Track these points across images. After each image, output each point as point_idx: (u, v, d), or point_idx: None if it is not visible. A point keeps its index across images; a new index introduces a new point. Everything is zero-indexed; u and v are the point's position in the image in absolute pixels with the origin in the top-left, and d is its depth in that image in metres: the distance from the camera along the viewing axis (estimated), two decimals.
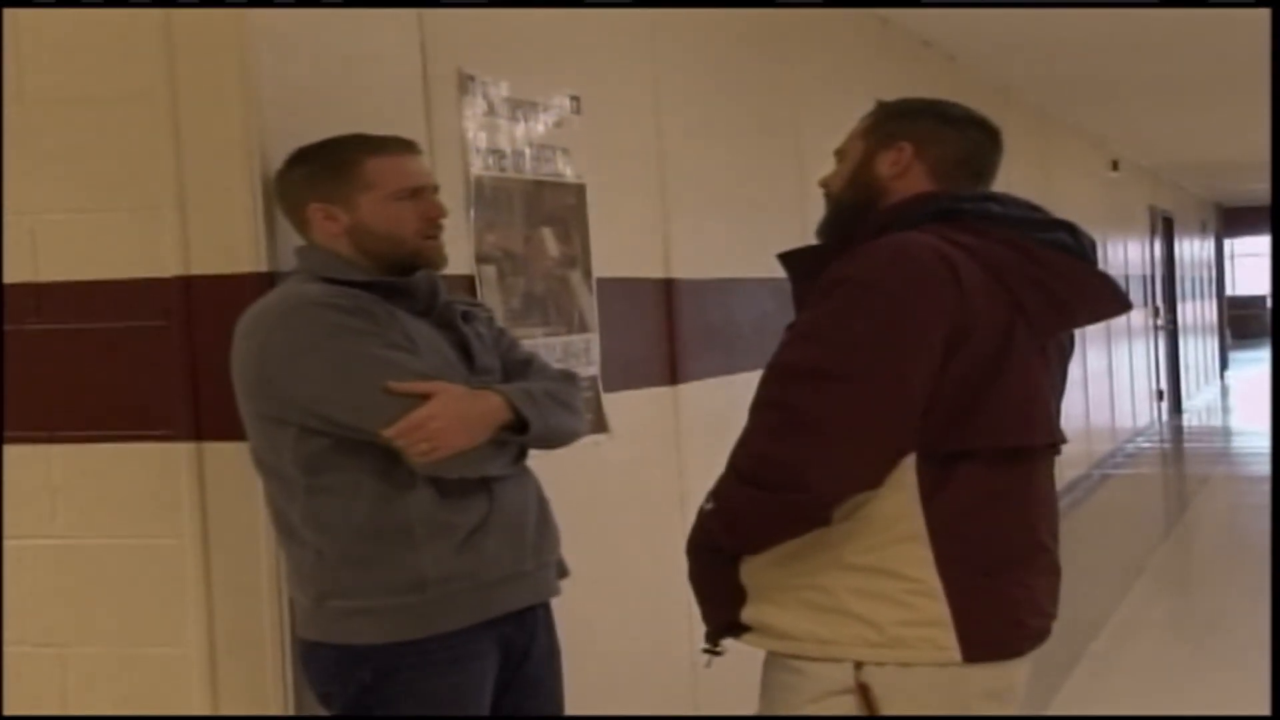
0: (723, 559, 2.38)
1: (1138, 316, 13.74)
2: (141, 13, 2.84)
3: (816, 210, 2.54)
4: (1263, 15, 7.05)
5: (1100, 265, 2.46)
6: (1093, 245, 2.43)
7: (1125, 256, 13.24)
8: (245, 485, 2.74)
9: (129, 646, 2.92)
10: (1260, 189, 21.14)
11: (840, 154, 2.53)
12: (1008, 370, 2.28)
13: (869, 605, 2.28)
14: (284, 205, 2.72)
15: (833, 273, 2.27)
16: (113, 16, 2.86)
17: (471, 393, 2.55)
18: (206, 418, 2.83)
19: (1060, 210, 2.50)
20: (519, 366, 2.76)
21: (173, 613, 2.88)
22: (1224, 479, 11.94)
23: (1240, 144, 13.98)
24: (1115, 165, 12.98)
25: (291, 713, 2.81)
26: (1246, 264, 29.65)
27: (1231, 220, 24.70)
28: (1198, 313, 19.11)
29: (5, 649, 2.96)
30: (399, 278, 2.63)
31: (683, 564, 2.46)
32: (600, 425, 3.89)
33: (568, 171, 3.83)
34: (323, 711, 2.67)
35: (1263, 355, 25.91)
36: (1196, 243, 19.62)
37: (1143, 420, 14.18)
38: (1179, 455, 14.35)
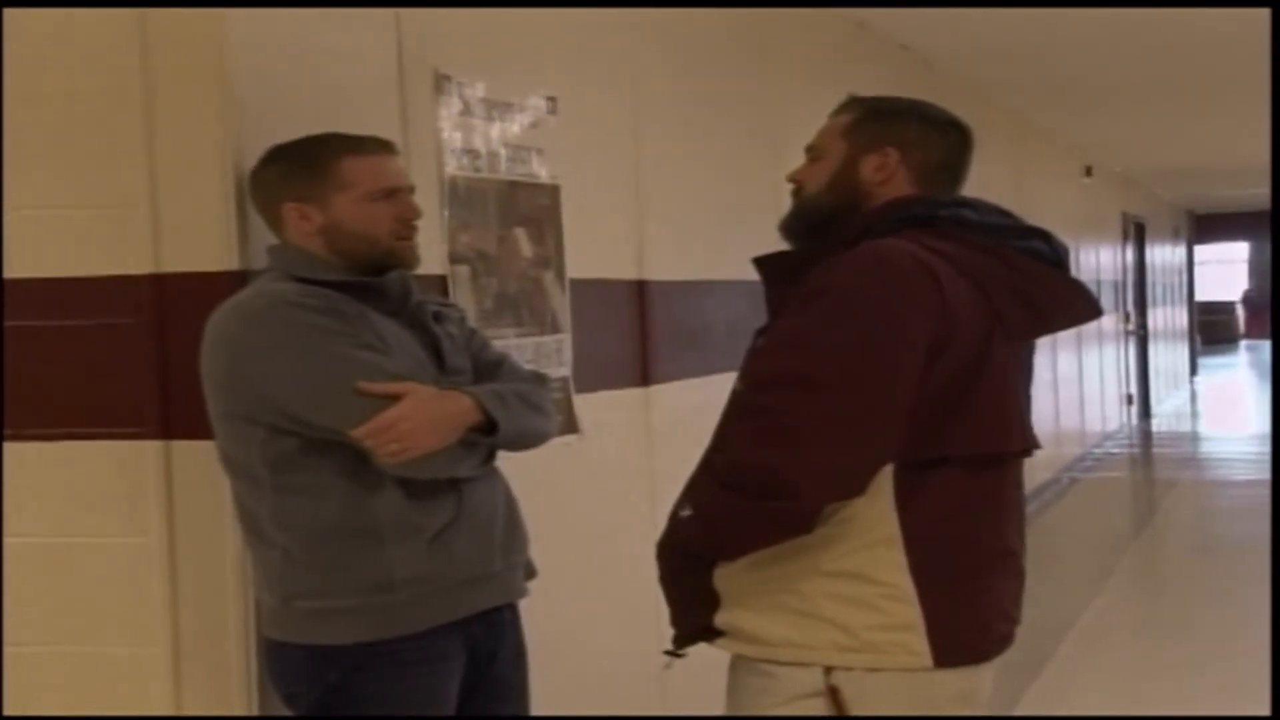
0: (696, 563, 2.38)
1: (1108, 321, 13.80)
2: (117, 10, 2.82)
3: None
4: (1236, 23, 7.10)
5: (1073, 270, 2.47)
6: (1066, 252, 2.44)
7: (1097, 261, 13.30)
8: (213, 484, 2.73)
9: (93, 645, 2.90)
10: (1231, 195, 21.29)
11: (814, 151, 2.50)
12: (985, 377, 2.29)
13: (842, 609, 2.28)
14: (258, 203, 2.71)
15: (815, 280, 2.27)
16: (88, 13, 2.85)
17: (442, 394, 2.55)
18: (175, 416, 2.81)
19: (1034, 215, 2.51)
20: (490, 368, 2.76)
21: (138, 612, 2.86)
22: (1192, 483, 12.00)
23: (1212, 151, 14.07)
24: (1089, 171, 13.04)
25: (256, 713, 2.80)
26: (1217, 270, 29.84)
27: (1202, 227, 24.84)
28: (1168, 318, 19.21)
29: None
30: (371, 278, 2.63)
31: (653, 566, 2.46)
32: (571, 426, 3.89)
33: (543, 172, 3.82)
34: (288, 712, 2.66)
35: (1232, 361, 26.11)
36: (1168, 249, 19.71)
37: (1112, 425, 14.24)
38: (1148, 460, 14.42)
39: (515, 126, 3.71)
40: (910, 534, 2.27)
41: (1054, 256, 2.40)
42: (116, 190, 2.84)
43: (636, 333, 4.42)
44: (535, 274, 3.78)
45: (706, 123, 4.97)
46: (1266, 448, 13.75)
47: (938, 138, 2.47)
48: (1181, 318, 21.10)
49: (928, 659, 2.27)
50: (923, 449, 2.26)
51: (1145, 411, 16.40)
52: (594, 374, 4.05)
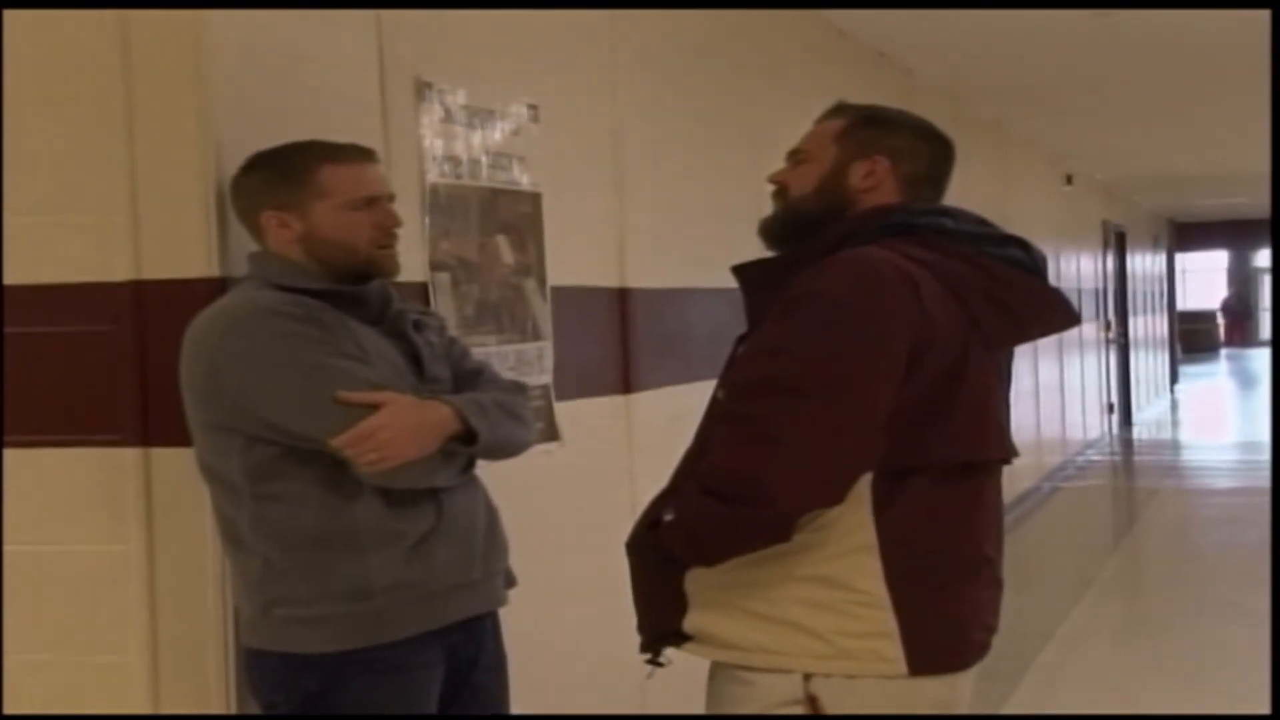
0: (668, 565, 2.37)
1: (1089, 330, 13.84)
2: (96, 15, 2.82)
3: None
4: (1217, 31, 7.13)
5: (1054, 279, 2.47)
6: (1044, 260, 2.45)
7: (1078, 270, 13.34)
8: (192, 492, 2.72)
9: (71, 654, 2.89)
10: (1211, 204, 21.38)
11: (800, 154, 2.49)
12: (964, 385, 2.30)
13: (815, 616, 2.28)
14: (238, 211, 2.70)
15: (797, 288, 2.27)
16: (67, 19, 2.84)
17: (421, 403, 2.54)
18: (155, 423, 2.80)
19: (1016, 223, 2.52)
20: (469, 376, 2.75)
21: (117, 620, 2.85)
22: (1173, 492, 12.03)
23: (1193, 159, 14.12)
24: (1070, 180, 13.09)
25: None
26: (1197, 279, 29.96)
27: (1183, 235, 24.92)
28: (1149, 327, 19.26)
29: None
30: (351, 286, 2.62)
31: None
32: (552, 434, 3.88)
33: (524, 180, 3.82)
34: None
35: (1213, 370, 26.21)
36: (1148, 257, 19.77)
37: (1093, 433, 14.28)
38: (1129, 468, 14.46)
39: (497, 134, 3.71)
40: (887, 541, 2.27)
41: (1032, 265, 2.41)
42: (96, 197, 2.84)
43: (618, 340, 4.42)
44: (516, 281, 3.78)
45: (688, 130, 4.98)
46: (1247, 456, 13.82)
47: (926, 149, 2.48)
48: (1162, 326, 21.16)
49: (903, 667, 2.27)
50: (901, 457, 2.26)
51: (1126, 420, 16.45)
52: (575, 381, 4.05)
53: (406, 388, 2.57)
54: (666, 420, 4.30)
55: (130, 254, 2.82)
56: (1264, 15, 6.11)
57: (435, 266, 3.42)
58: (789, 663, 2.29)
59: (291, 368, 2.48)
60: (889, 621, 2.27)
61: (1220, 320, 30.52)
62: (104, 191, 2.83)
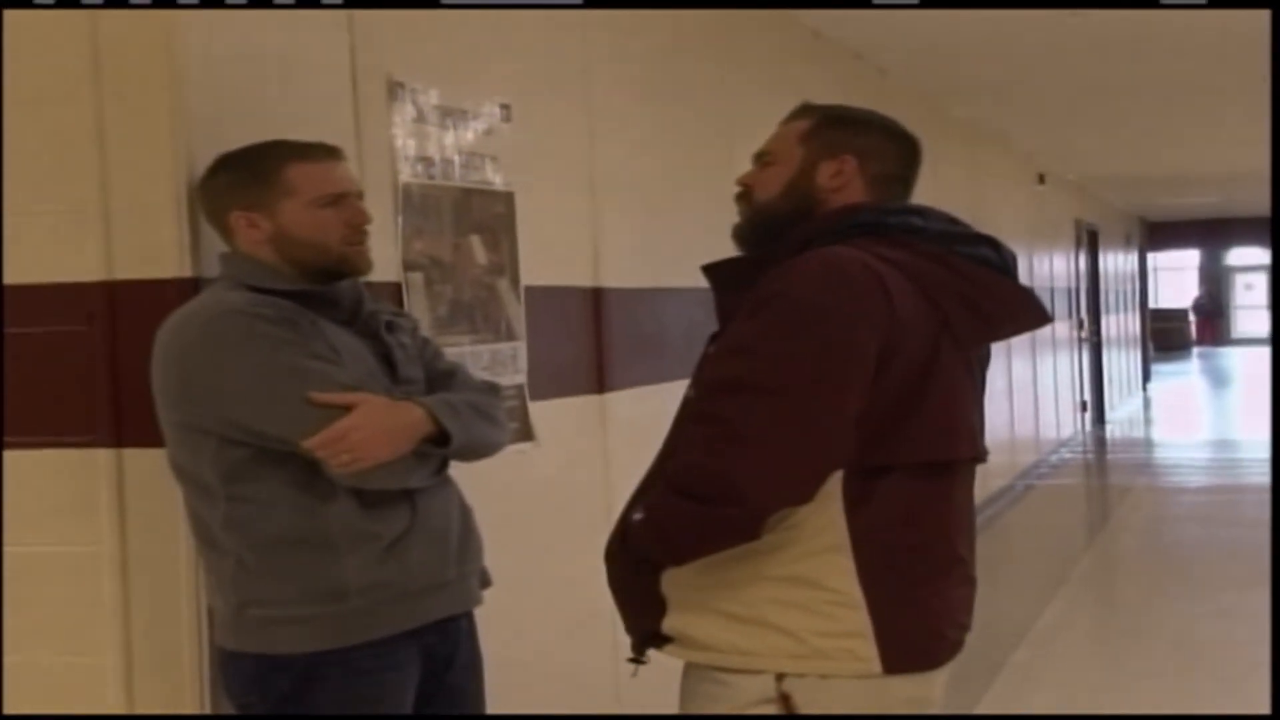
0: (643, 567, 2.38)
1: (1062, 328, 13.88)
2: (67, 14, 2.81)
3: None
4: (1190, 31, 7.16)
5: (1026, 277, 2.48)
6: (1014, 259, 2.46)
7: (1051, 269, 13.38)
8: (165, 492, 2.71)
9: (44, 655, 2.88)
10: (1183, 203, 21.48)
11: (766, 156, 2.50)
12: (934, 384, 2.30)
13: (789, 616, 2.28)
14: (207, 213, 2.69)
15: (765, 288, 2.27)
16: (38, 19, 2.83)
17: (394, 404, 2.54)
18: (127, 424, 2.80)
19: (988, 222, 2.53)
20: (442, 377, 2.75)
21: (90, 620, 2.84)
22: (1146, 490, 12.08)
23: (1165, 159, 14.19)
24: (1042, 179, 13.13)
25: None
26: (1169, 277, 30.10)
27: (1155, 234, 25.03)
28: (1121, 325, 19.33)
29: None
30: (323, 286, 2.62)
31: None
32: (526, 434, 3.88)
33: (497, 179, 3.82)
34: None
35: (1185, 368, 26.31)
36: (1120, 256, 19.85)
37: (1066, 431, 14.33)
38: (1102, 466, 14.51)
39: (469, 133, 3.71)
40: (859, 540, 2.27)
41: (1002, 264, 2.41)
42: (68, 197, 2.83)
43: (592, 340, 4.42)
44: (490, 281, 3.78)
45: (661, 130, 4.98)
46: (1219, 454, 13.90)
47: (894, 148, 2.49)
48: (1134, 324, 21.25)
49: (876, 665, 2.27)
50: (872, 456, 2.27)
51: (1099, 418, 16.51)
52: (549, 381, 4.04)
53: (379, 389, 2.57)
54: (642, 420, 4.31)
55: (102, 255, 2.81)
56: (1238, 15, 6.14)
57: (409, 266, 3.42)
58: (763, 663, 2.30)
59: (263, 369, 2.47)
60: (863, 620, 2.27)
61: (1191, 319, 30.65)
62: (76, 192, 2.82)
